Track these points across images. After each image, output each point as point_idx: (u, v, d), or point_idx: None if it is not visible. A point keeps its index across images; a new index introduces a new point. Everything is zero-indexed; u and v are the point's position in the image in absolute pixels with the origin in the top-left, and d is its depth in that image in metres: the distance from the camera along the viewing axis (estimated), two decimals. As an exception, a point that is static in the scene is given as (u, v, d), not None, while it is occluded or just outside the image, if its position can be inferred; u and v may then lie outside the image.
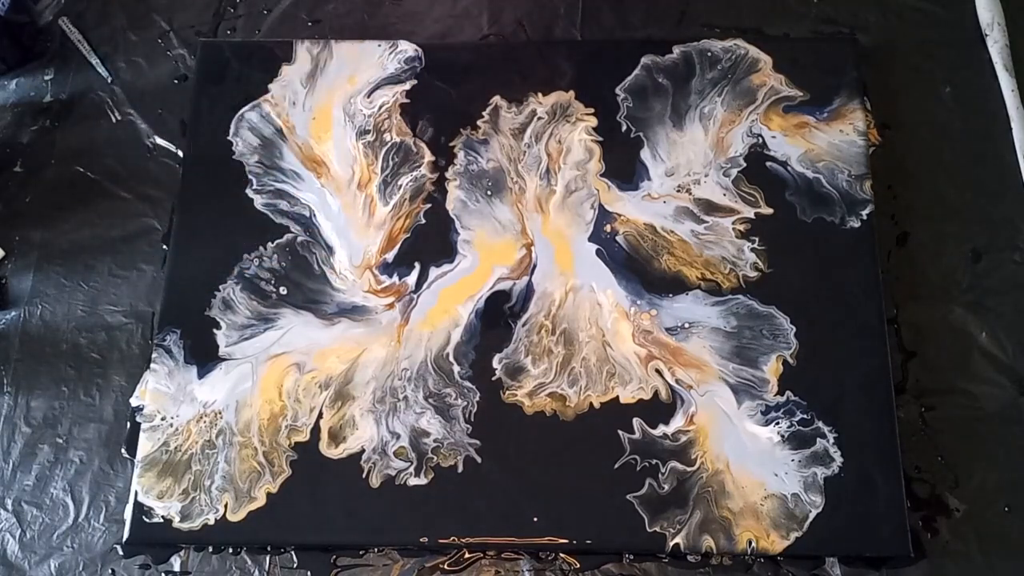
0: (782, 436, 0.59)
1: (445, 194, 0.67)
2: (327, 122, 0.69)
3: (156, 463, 0.61)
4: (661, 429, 0.60)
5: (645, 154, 0.67)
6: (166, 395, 0.62)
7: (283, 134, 0.69)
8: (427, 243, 0.65)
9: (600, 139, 0.68)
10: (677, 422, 0.60)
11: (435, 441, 0.60)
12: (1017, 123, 0.68)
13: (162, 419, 0.62)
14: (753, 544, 0.57)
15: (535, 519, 0.58)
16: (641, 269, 0.64)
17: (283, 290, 0.65)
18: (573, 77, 0.70)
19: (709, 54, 0.70)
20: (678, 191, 0.66)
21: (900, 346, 0.63)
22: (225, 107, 0.70)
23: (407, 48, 0.71)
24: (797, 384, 0.60)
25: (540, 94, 0.69)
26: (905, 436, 0.60)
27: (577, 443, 0.60)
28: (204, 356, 0.63)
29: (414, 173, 0.68)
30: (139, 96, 0.74)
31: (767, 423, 0.60)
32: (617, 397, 0.61)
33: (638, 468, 0.59)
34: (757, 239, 0.64)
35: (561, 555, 0.59)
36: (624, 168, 0.67)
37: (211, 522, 0.59)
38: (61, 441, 0.64)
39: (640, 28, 0.74)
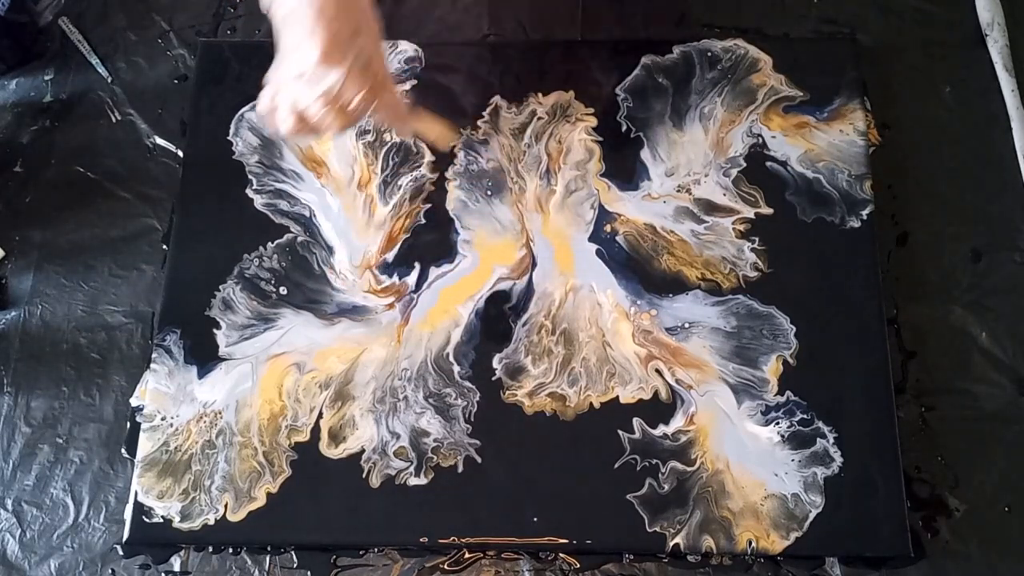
0: (782, 436, 0.59)
1: (445, 194, 0.67)
2: (327, 122, 0.69)
3: (156, 463, 0.61)
4: (661, 429, 0.60)
5: (645, 154, 0.67)
6: (166, 395, 0.62)
7: (283, 134, 0.69)
8: (427, 243, 0.65)
9: (600, 139, 0.68)
10: (677, 422, 0.60)
11: (435, 441, 0.60)
12: (1017, 123, 0.68)
13: (162, 419, 0.62)
14: (753, 544, 0.57)
15: (535, 519, 0.58)
16: (641, 269, 0.64)
17: (283, 290, 0.65)
18: (573, 77, 0.70)
19: (709, 54, 0.70)
20: (678, 191, 0.66)
21: (900, 346, 0.63)
22: (225, 107, 0.70)
23: (407, 48, 0.71)
24: (797, 384, 0.60)
25: (540, 94, 0.69)
26: (905, 436, 0.60)
27: (577, 443, 0.60)
28: (204, 356, 0.63)
29: (414, 173, 0.68)
30: (139, 96, 0.74)
31: (767, 423, 0.60)
32: (617, 397, 0.61)
33: (638, 468, 0.59)
34: (757, 239, 0.64)
35: (561, 555, 0.59)
36: (624, 168, 0.67)
37: (211, 522, 0.59)
38: (61, 441, 0.64)
39: (640, 28, 0.74)
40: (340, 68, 0.51)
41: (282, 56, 0.53)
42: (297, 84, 0.52)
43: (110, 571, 0.60)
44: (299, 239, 0.66)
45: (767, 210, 0.65)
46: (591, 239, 0.65)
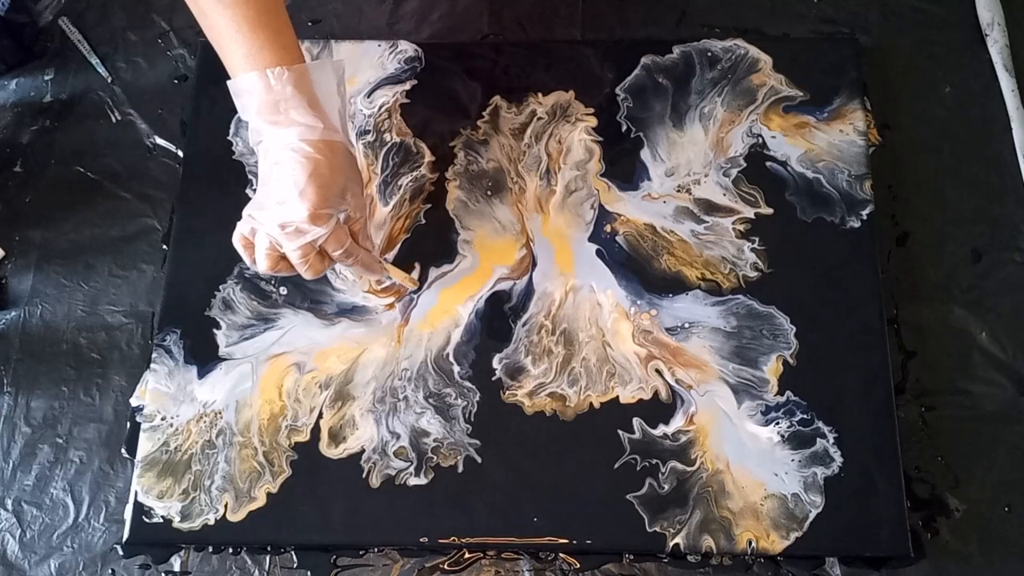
0: (782, 436, 0.59)
1: (445, 194, 0.67)
2: (327, 122, 0.69)
3: (156, 463, 0.61)
4: (661, 429, 0.60)
5: (645, 154, 0.67)
6: (166, 395, 0.62)
7: (283, 134, 0.69)
8: (427, 243, 0.65)
9: (600, 139, 0.68)
10: (677, 422, 0.60)
11: (435, 441, 0.60)
12: (1017, 123, 0.68)
13: (162, 419, 0.62)
14: (753, 544, 0.57)
15: (535, 519, 0.58)
16: (641, 269, 0.64)
17: (283, 290, 0.65)
18: (573, 77, 0.70)
19: (709, 54, 0.70)
20: (678, 191, 0.66)
21: (900, 346, 0.63)
22: (225, 107, 0.70)
23: (407, 48, 0.71)
24: (797, 384, 0.60)
25: (540, 94, 0.69)
26: (905, 436, 0.60)
27: (577, 443, 0.60)
28: (204, 356, 0.63)
29: (414, 173, 0.68)
30: (139, 96, 0.74)
31: (767, 423, 0.60)
32: (617, 397, 0.61)
33: (638, 468, 0.59)
34: (757, 239, 0.64)
35: (561, 555, 0.59)
36: (624, 168, 0.67)
37: (211, 522, 0.59)
38: (61, 441, 0.64)
39: (640, 28, 0.74)
40: (325, 228, 0.53)
41: (266, 198, 0.54)
42: (278, 231, 0.53)
43: (110, 571, 0.60)
44: (299, 239, 0.66)
45: (767, 210, 0.65)
46: (591, 239, 0.65)
